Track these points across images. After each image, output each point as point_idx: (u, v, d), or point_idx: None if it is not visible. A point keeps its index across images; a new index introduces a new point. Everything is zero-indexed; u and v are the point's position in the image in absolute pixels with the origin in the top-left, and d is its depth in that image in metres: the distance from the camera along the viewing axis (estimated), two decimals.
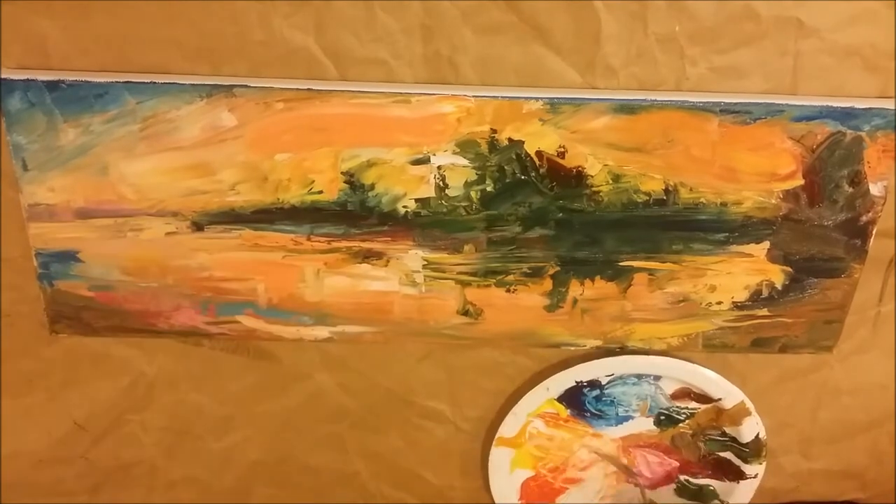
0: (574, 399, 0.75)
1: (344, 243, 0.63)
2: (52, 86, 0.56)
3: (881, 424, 0.77)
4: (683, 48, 0.57)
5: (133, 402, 0.73)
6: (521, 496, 0.79)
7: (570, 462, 0.79)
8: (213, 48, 0.56)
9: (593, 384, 0.74)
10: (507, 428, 0.74)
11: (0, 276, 0.65)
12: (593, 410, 0.76)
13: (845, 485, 0.81)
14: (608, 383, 0.74)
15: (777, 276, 0.65)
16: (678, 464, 0.80)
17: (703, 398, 0.75)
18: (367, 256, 0.63)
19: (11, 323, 0.68)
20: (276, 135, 0.58)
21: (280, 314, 0.66)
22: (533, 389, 0.72)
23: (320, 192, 0.60)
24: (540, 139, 0.59)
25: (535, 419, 0.75)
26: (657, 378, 0.74)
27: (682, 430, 0.78)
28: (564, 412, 0.75)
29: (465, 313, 0.66)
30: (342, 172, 0.60)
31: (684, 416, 0.77)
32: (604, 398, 0.75)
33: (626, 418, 0.77)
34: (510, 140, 0.59)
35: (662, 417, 0.77)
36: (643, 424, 0.77)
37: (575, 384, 0.73)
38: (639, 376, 0.74)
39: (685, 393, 0.75)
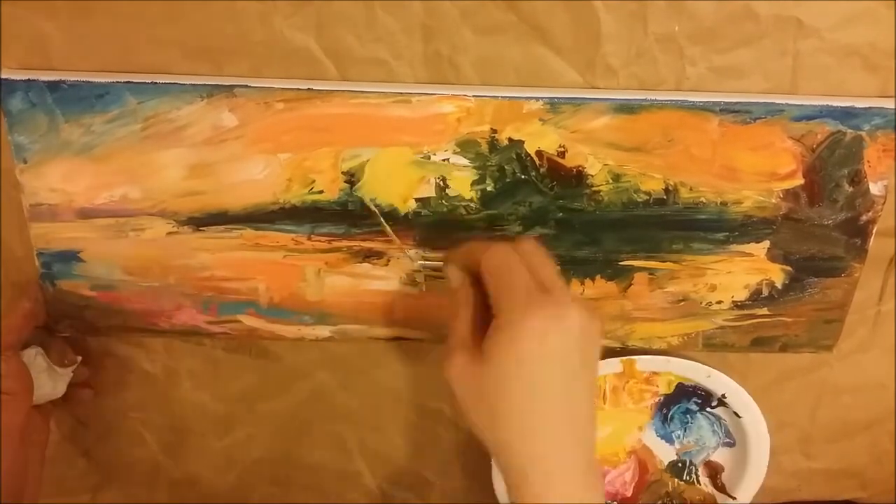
0: (672, 400, 0.75)
1: (345, 243, 0.63)
2: (54, 86, 0.56)
3: (881, 423, 0.77)
4: (683, 48, 0.57)
5: (135, 401, 0.73)
6: None
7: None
8: (213, 48, 0.57)
9: (706, 400, 0.74)
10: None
11: (0, 276, 0.65)
12: (667, 419, 0.76)
13: (845, 484, 0.81)
14: (712, 406, 0.74)
15: (777, 275, 0.65)
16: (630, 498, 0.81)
17: (723, 488, 0.77)
18: (368, 256, 0.63)
19: None
20: (276, 135, 0.58)
21: (281, 313, 0.66)
22: (687, 361, 0.71)
23: (321, 191, 0.60)
24: (540, 139, 0.59)
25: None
26: (730, 443, 0.75)
27: (667, 490, 0.79)
28: (652, 392, 0.75)
29: None
30: (343, 172, 0.60)
31: (687, 480, 0.78)
32: (688, 418, 0.76)
33: (669, 441, 0.78)
34: (510, 140, 0.59)
35: (679, 465, 0.78)
36: (664, 455, 0.79)
37: (695, 390, 0.74)
38: (730, 434, 0.75)
39: (715, 469, 0.76)
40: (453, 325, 0.53)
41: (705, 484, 0.78)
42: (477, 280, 0.54)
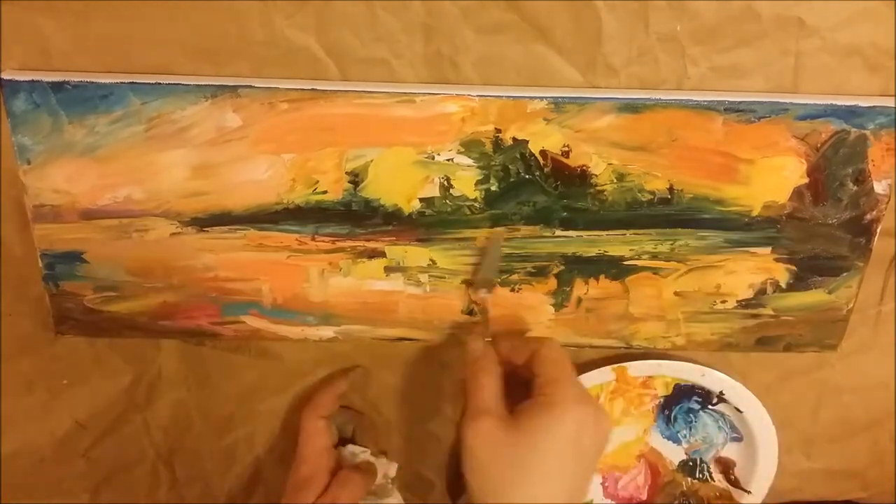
0: (673, 401, 0.75)
1: (348, 243, 0.63)
2: (57, 87, 0.56)
3: (882, 423, 0.77)
4: (684, 48, 0.57)
5: (134, 401, 0.73)
6: None
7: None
8: (214, 48, 0.56)
9: (706, 398, 0.74)
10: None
11: (0, 276, 0.65)
12: (670, 420, 0.77)
13: (846, 484, 0.82)
14: (713, 403, 0.74)
15: (782, 274, 0.65)
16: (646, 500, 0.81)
17: (737, 483, 0.77)
18: (372, 256, 0.63)
19: (13, 322, 0.68)
20: (280, 135, 0.58)
21: (285, 314, 0.66)
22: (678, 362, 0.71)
23: (325, 192, 0.60)
24: (544, 138, 0.59)
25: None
26: (737, 438, 0.76)
27: (682, 489, 0.79)
28: (650, 395, 0.75)
29: (470, 313, 0.66)
30: (347, 172, 0.60)
31: (700, 478, 0.78)
32: (691, 417, 0.76)
33: (676, 441, 0.78)
34: (514, 139, 0.59)
35: (690, 464, 0.78)
36: (673, 455, 0.79)
37: (694, 388, 0.74)
38: (736, 428, 0.76)
39: (727, 465, 0.76)
40: (477, 392, 0.58)
41: (719, 480, 0.78)
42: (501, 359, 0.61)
